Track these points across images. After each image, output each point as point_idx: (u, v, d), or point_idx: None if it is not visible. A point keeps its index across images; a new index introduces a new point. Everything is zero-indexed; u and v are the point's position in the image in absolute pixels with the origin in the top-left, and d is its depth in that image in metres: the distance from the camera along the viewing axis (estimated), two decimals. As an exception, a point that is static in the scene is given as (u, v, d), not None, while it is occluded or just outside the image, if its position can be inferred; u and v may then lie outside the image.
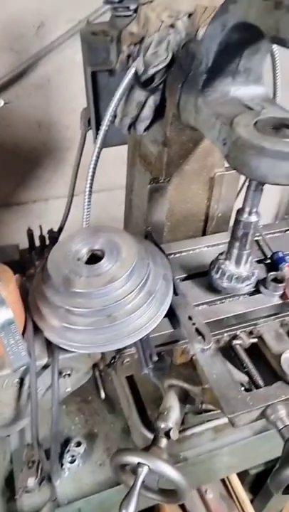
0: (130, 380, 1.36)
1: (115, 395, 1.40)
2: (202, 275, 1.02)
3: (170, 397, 0.97)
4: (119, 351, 0.86)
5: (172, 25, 0.86)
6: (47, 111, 1.85)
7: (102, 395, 0.90)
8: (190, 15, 0.85)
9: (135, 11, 0.98)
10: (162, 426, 0.92)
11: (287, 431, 0.84)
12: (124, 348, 0.86)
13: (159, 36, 0.86)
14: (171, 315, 0.90)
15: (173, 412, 0.95)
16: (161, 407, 0.96)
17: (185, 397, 1.00)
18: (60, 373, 0.86)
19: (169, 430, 0.92)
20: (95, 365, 0.88)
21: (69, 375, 0.88)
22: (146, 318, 0.81)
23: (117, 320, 0.78)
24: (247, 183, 0.82)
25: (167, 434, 0.91)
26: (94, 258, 0.85)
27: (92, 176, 1.02)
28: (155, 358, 0.80)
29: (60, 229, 1.48)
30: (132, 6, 1.00)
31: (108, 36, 1.17)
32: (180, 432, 1.01)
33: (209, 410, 1.20)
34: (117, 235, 0.87)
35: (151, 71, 0.89)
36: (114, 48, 1.08)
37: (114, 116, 1.04)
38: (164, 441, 0.90)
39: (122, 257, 0.82)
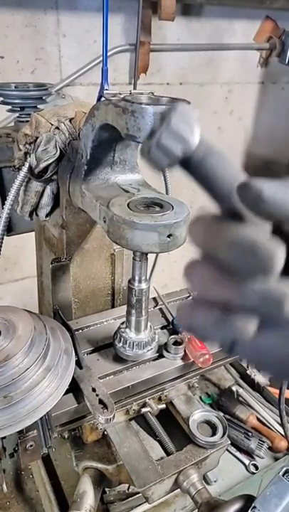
0: (52, 475, 1.26)
1: (37, 496, 1.27)
2: (109, 346, 1.04)
3: (83, 482, 0.92)
4: (21, 435, 0.82)
5: (58, 128, 1.00)
6: None
7: (5, 488, 0.82)
8: (72, 119, 1.01)
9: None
10: (75, 516, 0.86)
11: (200, 496, 0.83)
12: (27, 431, 0.83)
13: (47, 136, 0.99)
14: (76, 390, 0.90)
15: (86, 497, 0.89)
16: (75, 494, 0.90)
17: (101, 479, 0.95)
18: None
19: (83, 519, 0.85)
20: (-4, 456, 0.82)
21: None
22: (46, 395, 0.80)
23: (14, 400, 0.76)
24: (132, 255, 0.90)
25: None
26: (-9, 339, 0.85)
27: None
28: (54, 435, 0.77)
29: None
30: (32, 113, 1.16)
31: (10, 137, 1.32)
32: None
33: (135, 493, 1.14)
34: (12, 314, 0.88)
35: (42, 165, 1.00)
36: (16, 147, 1.20)
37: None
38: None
39: (17, 334, 0.83)
